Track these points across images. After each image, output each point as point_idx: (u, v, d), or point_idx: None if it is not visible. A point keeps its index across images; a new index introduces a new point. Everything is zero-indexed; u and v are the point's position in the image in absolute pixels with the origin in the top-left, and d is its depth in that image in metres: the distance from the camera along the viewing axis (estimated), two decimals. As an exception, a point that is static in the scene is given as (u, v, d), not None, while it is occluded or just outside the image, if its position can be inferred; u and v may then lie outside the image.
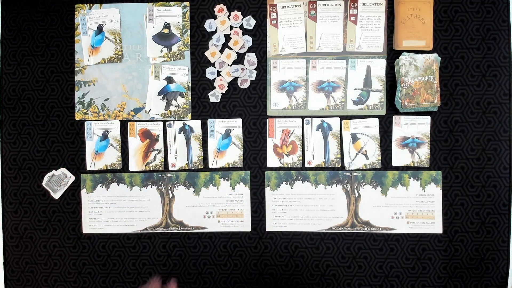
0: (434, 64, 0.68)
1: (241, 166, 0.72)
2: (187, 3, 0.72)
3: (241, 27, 0.71)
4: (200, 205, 0.72)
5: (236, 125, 0.72)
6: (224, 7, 0.71)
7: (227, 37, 0.72)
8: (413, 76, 0.68)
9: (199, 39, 0.72)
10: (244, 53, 0.71)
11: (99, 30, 0.72)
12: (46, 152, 0.72)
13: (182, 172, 0.72)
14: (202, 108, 0.72)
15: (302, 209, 0.71)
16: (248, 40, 0.71)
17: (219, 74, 0.72)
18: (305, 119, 0.71)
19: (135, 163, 0.72)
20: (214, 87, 0.72)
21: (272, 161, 0.72)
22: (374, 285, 0.71)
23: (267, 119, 0.72)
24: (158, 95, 0.72)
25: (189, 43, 0.72)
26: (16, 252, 0.72)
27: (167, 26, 0.72)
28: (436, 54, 0.68)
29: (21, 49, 0.72)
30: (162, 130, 0.72)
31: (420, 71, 0.68)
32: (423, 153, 0.71)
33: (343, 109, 0.71)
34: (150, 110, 0.72)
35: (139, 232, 0.72)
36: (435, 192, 0.71)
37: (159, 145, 0.72)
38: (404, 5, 0.70)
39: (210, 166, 0.72)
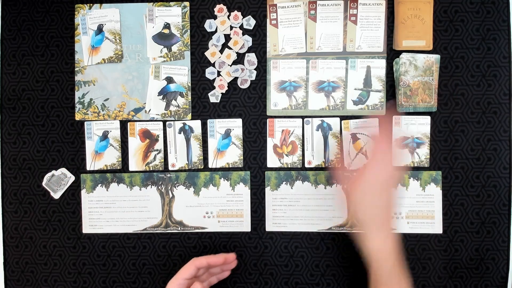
0: (434, 65, 0.68)
1: (241, 166, 0.72)
2: (187, 3, 0.72)
3: (241, 27, 0.71)
4: (200, 205, 0.72)
5: (236, 125, 0.72)
6: (224, 7, 0.71)
7: (227, 37, 0.72)
8: (412, 76, 0.68)
9: (199, 39, 0.72)
10: (244, 53, 0.71)
11: (99, 30, 0.72)
12: (46, 152, 0.72)
13: (182, 172, 0.72)
14: (202, 108, 0.72)
15: (302, 209, 0.71)
16: (248, 40, 0.71)
17: (219, 74, 0.72)
18: (305, 119, 0.71)
19: (135, 163, 0.72)
20: (214, 87, 0.72)
21: (272, 161, 0.72)
22: (374, 285, 0.71)
23: (267, 119, 0.72)
24: (158, 95, 0.72)
25: (189, 43, 0.72)
26: (16, 252, 0.72)
27: (167, 26, 0.72)
28: (437, 55, 0.68)
29: (21, 49, 0.72)
30: (162, 130, 0.72)
31: (420, 71, 0.68)
32: (423, 153, 0.71)
33: (343, 109, 0.71)
34: (150, 110, 0.72)
35: (139, 232, 0.72)
36: (435, 192, 0.71)
37: (159, 145, 0.72)
38: (404, 5, 0.70)
39: (210, 166, 0.72)
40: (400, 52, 0.70)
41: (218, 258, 0.63)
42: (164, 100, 0.72)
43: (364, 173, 0.60)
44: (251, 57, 0.71)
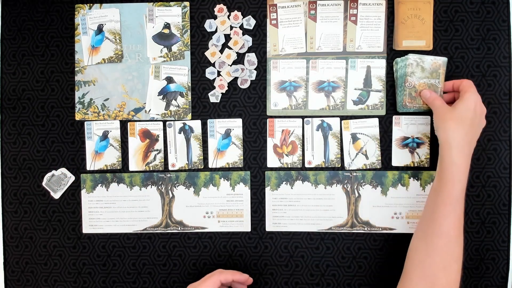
0: (441, 68, 0.67)
1: (241, 166, 0.72)
2: (187, 3, 0.72)
3: (241, 27, 0.71)
4: (200, 205, 0.72)
5: (236, 125, 0.72)
6: (224, 7, 0.71)
7: (227, 37, 0.72)
8: (418, 77, 0.67)
9: (199, 39, 0.72)
10: (244, 53, 0.71)
11: (99, 30, 0.72)
12: (46, 152, 0.72)
13: (182, 172, 0.72)
14: (202, 108, 0.72)
15: (302, 209, 0.71)
16: (248, 40, 0.71)
17: (219, 74, 0.72)
18: (305, 119, 0.71)
19: (135, 163, 0.72)
20: (214, 87, 0.72)
21: (272, 161, 0.72)
22: (374, 285, 0.71)
23: (267, 119, 0.72)
24: (158, 95, 0.72)
25: (189, 43, 0.72)
26: (16, 252, 0.72)
27: (167, 26, 0.72)
28: (445, 58, 0.68)
29: (21, 49, 0.72)
30: (162, 130, 0.72)
31: (426, 73, 0.67)
32: (423, 153, 0.71)
33: (343, 109, 0.71)
34: (150, 110, 0.72)
35: (139, 232, 0.72)
36: (435, 192, 0.71)
37: (159, 145, 0.72)
38: (404, 5, 0.70)
39: (210, 166, 0.72)
40: (400, 52, 0.70)
41: (242, 276, 0.63)
42: (164, 100, 0.72)
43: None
44: (251, 57, 0.71)
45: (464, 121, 0.62)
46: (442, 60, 0.67)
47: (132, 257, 0.72)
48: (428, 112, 0.70)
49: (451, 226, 0.59)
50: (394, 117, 0.71)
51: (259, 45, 0.72)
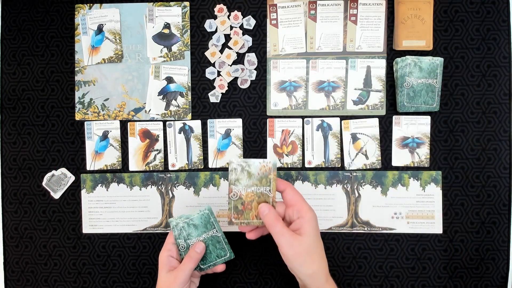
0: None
1: (241, 166, 0.72)
2: (187, 3, 0.72)
3: (241, 27, 0.71)
4: (199, 205, 0.72)
5: (236, 125, 0.72)
6: (224, 7, 0.71)
7: (227, 37, 0.72)
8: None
9: (199, 39, 0.72)
10: (244, 53, 0.71)
11: (99, 30, 0.72)
12: (46, 152, 0.72)
13: (182, 172, 0.72)
14: (202, 108, 0.72)
15: (302, 209, 0.71)
16: (248, 40, 0.71)
17: (219, 74, 0.72)
18: (305, 119, 0.71)
19: (135, 163, 0.72)
20: (214, 87, 0.72)
21: (272, 161, 0.72)
22: (374, 285, 0.71)
23: (267, 119, 0.72)
24: (158, 95, 0.72)
25: (189, 43, 0.72)
26: (16, 252, 0.72)
27: (167, 26, 0.72)
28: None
29: (21, 49, 0.72)
30: (162, 130, 0.72)
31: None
32: (423, 153, 0.71)
33: (343, 109, 0.71)
34: (150, 110, 0.72)
35: (139, 232, 0.72)
36: (435, 192, 0.71)
37: (159, 145, 0.72)
38: (404, 5, 0.70)
39: (210, 166, 0.72)
40: (400, 52, 0.70)
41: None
42: (164, 100, 0.72)
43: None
44: (251, 57, 0.71)
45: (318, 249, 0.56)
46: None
47: (132, 257, 0.72)
48: (428, 112, 0.70)
49: None
50: (394, 117, 0.71)
51: (259, 45, 0.72)
